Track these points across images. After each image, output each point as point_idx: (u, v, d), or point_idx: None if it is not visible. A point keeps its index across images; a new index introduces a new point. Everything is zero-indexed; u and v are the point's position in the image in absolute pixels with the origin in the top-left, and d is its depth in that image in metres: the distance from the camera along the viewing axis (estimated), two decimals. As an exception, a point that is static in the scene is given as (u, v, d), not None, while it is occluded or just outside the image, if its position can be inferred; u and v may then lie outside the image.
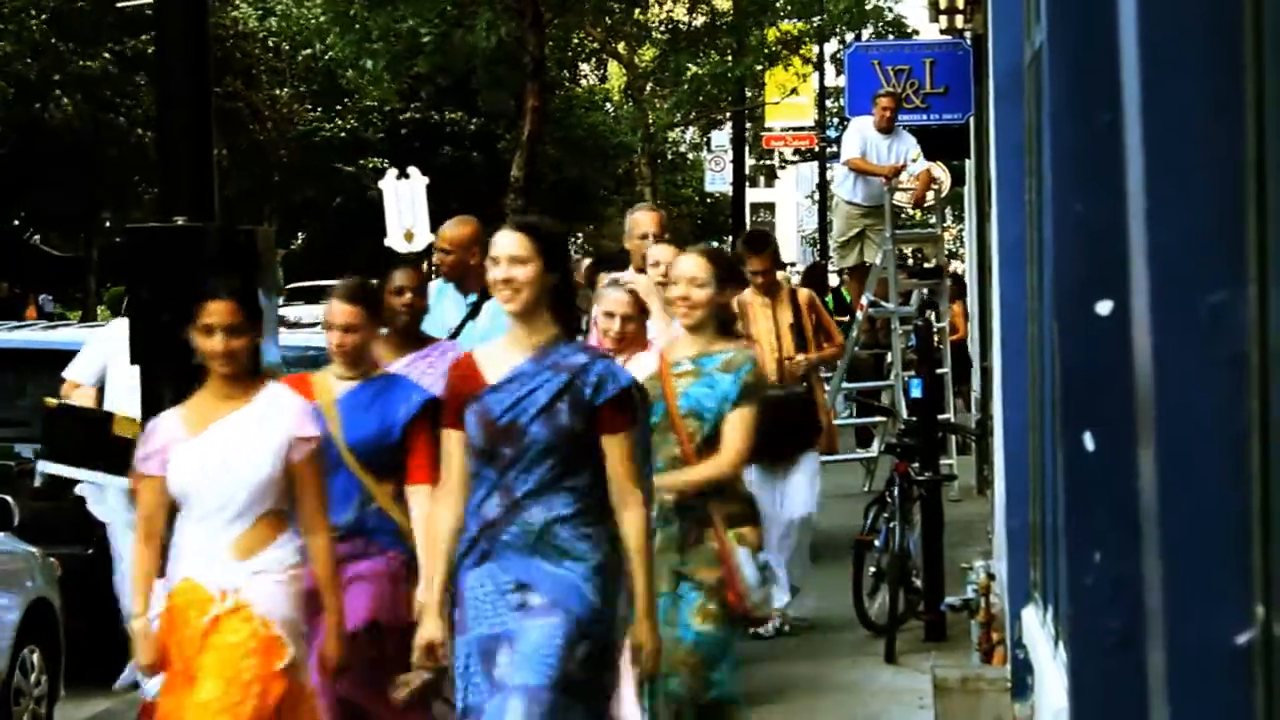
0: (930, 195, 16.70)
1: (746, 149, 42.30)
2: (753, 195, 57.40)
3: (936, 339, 14.93)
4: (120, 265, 17.48)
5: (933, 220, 19.90)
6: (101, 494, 9.34)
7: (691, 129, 45.55)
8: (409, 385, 7.03)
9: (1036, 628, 6.95)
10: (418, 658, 5.75)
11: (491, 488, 5.67)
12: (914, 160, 15.90)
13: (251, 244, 8.08)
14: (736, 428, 6.85)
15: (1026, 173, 7.41)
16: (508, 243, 5.71)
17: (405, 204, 18.65)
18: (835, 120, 39.52)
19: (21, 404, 10.73)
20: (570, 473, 5.65)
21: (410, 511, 6.79)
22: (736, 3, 33.85)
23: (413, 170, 18.88)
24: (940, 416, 13.53)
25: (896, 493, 10.65)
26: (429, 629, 5.73)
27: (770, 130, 46.80)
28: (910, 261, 16.55)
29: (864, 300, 15.63)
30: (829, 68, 40.36)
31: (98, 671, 9.30)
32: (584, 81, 45.87)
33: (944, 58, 17.07)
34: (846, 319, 15.22)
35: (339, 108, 41.29)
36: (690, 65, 34.86)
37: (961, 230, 39.13)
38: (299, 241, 47.70)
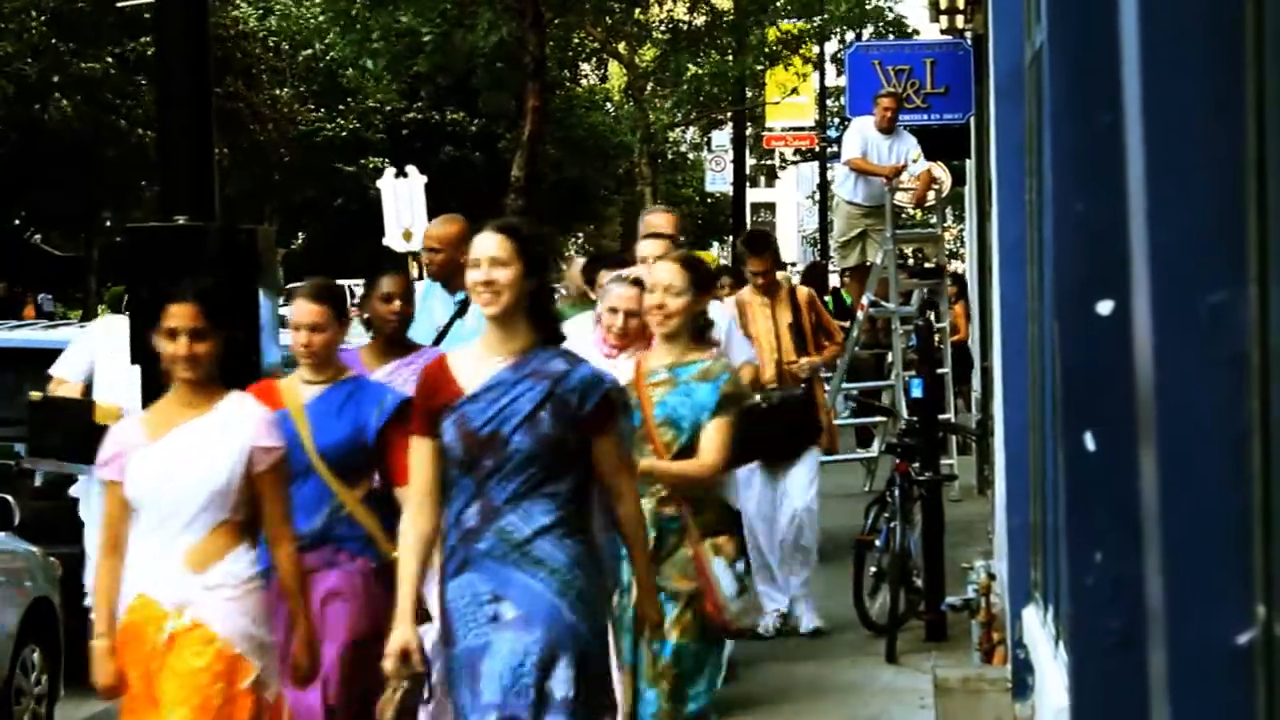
0: (931, 195, 16.67)
1: (747, 149, 42.28)
2: (753, 195, 57.31)
3: (937, 339, 14.94)
4: (120, 265, 17.45)
5: (933, 220, 19.88)
6: (89, 495, 9.31)
7: (692, 129, 45.49)
8: (379, 388, 6.95)
9: (1037, 628, 6.95)
10: (391, 665, 5.54)
11: (470, 497, 5.54)
12: (915, 160, 15.89)
13: (252, 243, 8.08)
14: (714, 437, 6.79)
15: (1027, 173, 7.41)
16: (488, 244, 5.57)
17: (404, 203, 18.66)
18: (836, 120, 39.50)
19: (21, 403, 10.72)
20: (550, 479, 5.52)
21: (375, 515, 6.73)
22: (737, 2, 33.83)
23: (411, 169, 18.80)
24: (941, 416, 13.53)
25: (897, 493, 10.65)
26: (402, 635, 5.54)
27: (771, 130, 46.79)
28: (911, 261, 16.52)
29: (865, 300, 15.63)
30: (829, 67, 40.37)
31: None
32: (584, 81, 45.82)
33: (944, 58, 17.07)
34: (847, 324, 15.22)
35: (340, 108, 41.26)
36: (690, 65, 34.83)
37: (962, 230, 39.14)
38: (299, 241, 47.65)
